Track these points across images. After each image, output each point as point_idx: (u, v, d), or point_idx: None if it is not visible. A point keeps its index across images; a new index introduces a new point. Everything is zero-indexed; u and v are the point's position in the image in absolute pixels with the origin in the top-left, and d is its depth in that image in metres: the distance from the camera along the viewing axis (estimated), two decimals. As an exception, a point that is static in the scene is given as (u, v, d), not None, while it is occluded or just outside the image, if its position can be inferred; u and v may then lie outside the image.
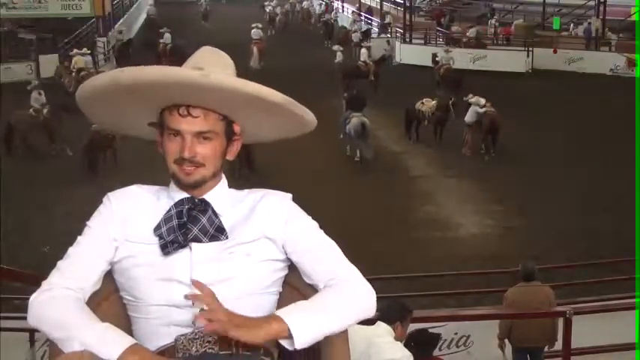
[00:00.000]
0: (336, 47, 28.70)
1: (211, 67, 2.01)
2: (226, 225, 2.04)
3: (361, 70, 25.99)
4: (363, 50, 27.50)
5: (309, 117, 2.11)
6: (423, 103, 19.91)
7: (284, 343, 1.89)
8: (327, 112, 17.88)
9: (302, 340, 1.87)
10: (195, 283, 1.90)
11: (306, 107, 2.08)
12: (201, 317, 1.85)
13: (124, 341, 1.88)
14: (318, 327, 1.90)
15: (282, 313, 1.89)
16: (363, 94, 20.42)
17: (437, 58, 27.16)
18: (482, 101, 18.77)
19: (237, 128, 2.06)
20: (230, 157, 2.08)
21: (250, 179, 13.76)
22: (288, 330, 1.86)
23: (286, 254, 2.07)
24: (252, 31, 30.75)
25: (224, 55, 2.11)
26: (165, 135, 2.02)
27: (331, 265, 2.02)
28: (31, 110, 19.11)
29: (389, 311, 5.09)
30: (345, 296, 1.96)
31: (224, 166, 2.10)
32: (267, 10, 41.44)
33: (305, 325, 1.88)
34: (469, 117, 18.72)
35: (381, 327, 5.01)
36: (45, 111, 18.98)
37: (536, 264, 7.96)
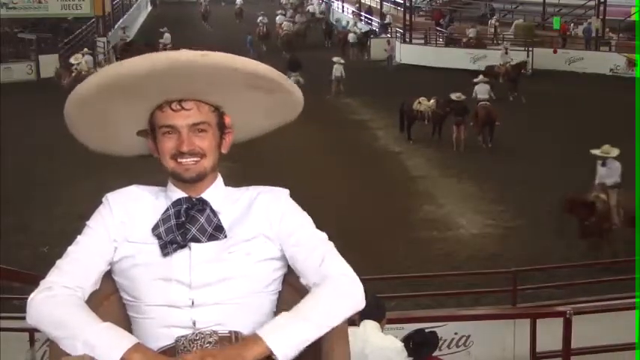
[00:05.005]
0: (335, 59, 25.48)
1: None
2: (225, 223, 2.03)
3: (495, 71, 26.12)
4: (502, 52, 27.35)
5: (299, 94, 2.13)
6: (419, 102, 19.87)
7: None
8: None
9: (285, 356, 1.84)
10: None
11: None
12: None
13: (126, 340, 1.86)
14: (300, 339, 1.86)
15: (262, 332, 1.85)
16: (299, 57, 25.66)
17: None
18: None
19: (227, 120, 2.06)
20: (224, 149, 2.07)
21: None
22: (270, 349, 1.82)
23: (282, 250, 2.05)
24: (284, 23, 36.24)
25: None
26: (160, 135, 2.01)
27: (318, 262, 1.98)
28: None
29: (377, 310, 5.12)
30: (328, 298, 1.92)
31: (220, 162, 2.09)
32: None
33: (286, 341, 1.84)
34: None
35: (369, 324, 5.03)
36: None
37: None
